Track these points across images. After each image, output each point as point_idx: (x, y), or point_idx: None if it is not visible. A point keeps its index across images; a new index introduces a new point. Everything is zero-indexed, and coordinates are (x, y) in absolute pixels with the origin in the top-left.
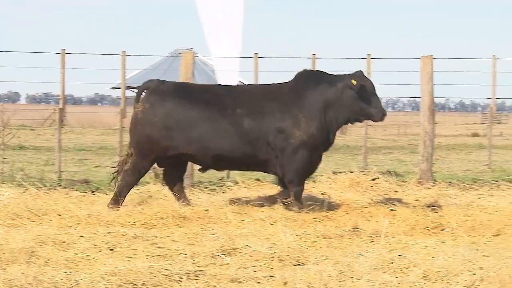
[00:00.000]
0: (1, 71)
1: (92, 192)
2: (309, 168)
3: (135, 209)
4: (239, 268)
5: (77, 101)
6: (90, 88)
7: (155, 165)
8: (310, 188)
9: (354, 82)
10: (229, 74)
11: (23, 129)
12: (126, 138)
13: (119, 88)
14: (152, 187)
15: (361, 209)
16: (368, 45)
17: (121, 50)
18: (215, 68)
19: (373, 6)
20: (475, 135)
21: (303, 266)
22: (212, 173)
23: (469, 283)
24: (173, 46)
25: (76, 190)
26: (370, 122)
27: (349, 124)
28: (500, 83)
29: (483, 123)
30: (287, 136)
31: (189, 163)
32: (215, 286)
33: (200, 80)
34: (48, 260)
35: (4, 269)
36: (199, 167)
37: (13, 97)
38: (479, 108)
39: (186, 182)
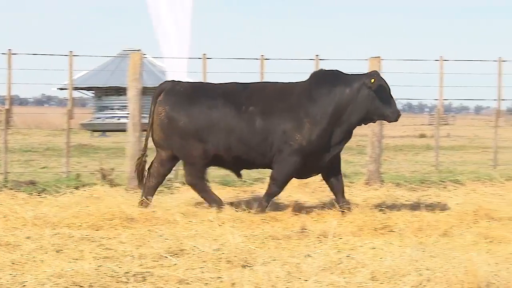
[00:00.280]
0: None
1: (39, 193)
2: (303, 172)
3: (82, 210)
4: (186, 269)
5: (23, 102)
6: (37, 89)
7: (104, 166)
8: (258, 189)
9: (372, 80)
10: (177, 75)
11: None
12: (73, 139)
13: (66, 88)
14: (99, 188)
15: (309, 210)
16: (316, 46)
17: (68, 50)
18: (163, 69)
19: (321, 7)
20: (422, 136)
21: (251, 267)
22: None
23: (416, 283)
24: (120, 47)
25: (23, 191)
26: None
27: (363, 124)
28: (447, 85)
29: (430, 124)
30: (287, 138)
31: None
32: (162, 287)
33: (148, 81)
34: None
35: None
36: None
37: None
38: (427, 109)
39: (133, 183)
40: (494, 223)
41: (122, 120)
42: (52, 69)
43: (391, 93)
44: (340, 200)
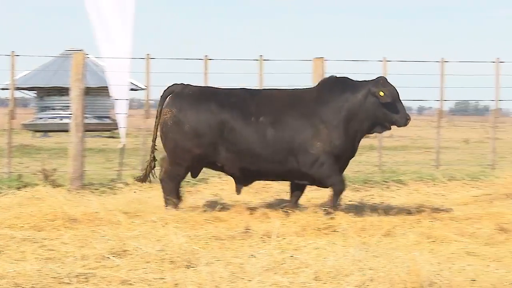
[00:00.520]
0: None
1: None
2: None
3: (24, 211)
4: (129, 270)
5: None
6: None
7: (46, 166)
8: (202, 189)
9: (381, 94)
10: (120, 75)
11: None
12: (15, 139)
13: (8, 89)
14: (42, 189)
15: (253, 211)
16: (260, 46)
17: (10, 50)
18: (106, 69)
19: (265, 8)
20: (366, 136)
21: (194, 268)
22: (102, 175)
23: (359, 283)
24: (63, 47)
25: None
26: None
27: (376, 132)
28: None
29: None
30: (310, 147)
31: None
32: None
33: (90, 81)
34: None
35: None
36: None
37: None
38: None
39: (76, 183)
40: (437, 222)
41: (65, 121)
42: None
43: (399, 98)
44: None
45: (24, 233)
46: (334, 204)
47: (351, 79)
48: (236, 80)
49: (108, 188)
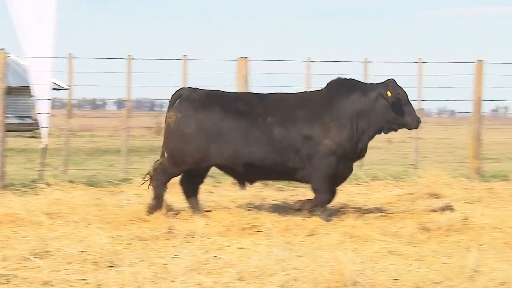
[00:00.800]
0: None
1: None
2: (336, 177)
3: None
4: (51, 271)
5: None
6: None
7: None
8: (125, 189)
9: (389, 94)
10: (42, 75)
11: None
12: None
13: None
14: None
15: (176, 211)
16: (184, 46)
17: None
18: (28, 68)
19: (189, 7)
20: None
21: (117, 268)
22: (24, 175)
23: (282, 282)
24: None
25: None
26: None
27: (383, 133)
28: (314, 85)
29: None
30: (315, 144)
31: None
32: None
33: (12, 80)
34: None
35: None
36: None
37: None
38: None
39: None
40: (360, 222)
41: None
42: None
43: (409, 100)
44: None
45: None
46: (309, 207)
47: (360, 81)
48: (162, 78)
49: (30, 188)
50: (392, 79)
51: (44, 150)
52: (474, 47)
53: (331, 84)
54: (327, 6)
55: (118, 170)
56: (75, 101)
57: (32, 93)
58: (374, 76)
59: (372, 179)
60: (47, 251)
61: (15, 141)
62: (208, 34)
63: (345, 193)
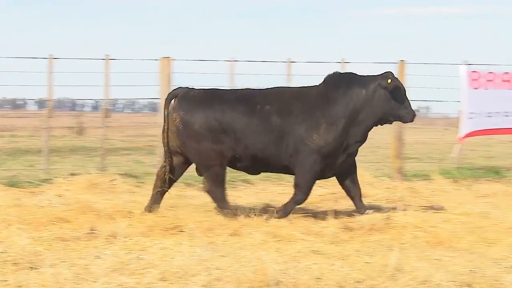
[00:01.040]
0: None
1: None
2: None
3: None
4: None
5: None
6: None
7: None
8: (46, 190)
9: (389, 81)
10: None
11: None
12: None
13: None
14: None
15: (98, 211)
16: (106, 47)
17: None
18: None
19: (111, 7)
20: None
21: (38, 269)
22: None
23: (205, 282)
24: None
25: None
26: None
27: (379, 125)
28: (237, 85)
29: None
30: (304, 139)
31: None
32: None
33: None
34: None
35: None
36: None
37: None
38: None
39: None
40: (283, 221)
41: None
42: None
43: (406, 94)
44: (358, 204)
45: None
46: (285, 211)
47: (358, 74)
48: (85, 78)
49: None
50: (390, 71)
51: None
52: (396, 48)
53: (329, 78)
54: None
55: (38, 171)
56: None
57: None
58: (298, 76)
59: None
60: None
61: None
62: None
63: (268, 193)
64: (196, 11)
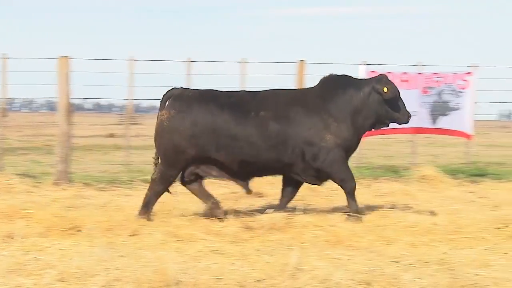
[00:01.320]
0: None
1: None
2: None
3: None
4: None
5: None
6: None
7: None
8: None
9: (385, 90)
10: None
11: None
12: None
13: None
14: None
15: None
16: (3, 46)
17: None
18: None
19: (13, 4)
20: (112, 135)
21: None
22: None
23: (104, 283)
24: None
25: None
26: None
27: (375, 129)
28: (137, 85)
29: (120, 124)
30: (317, 143)
31: None
32: None
33: None
34: None
35: None
36: None
37: None
38: (116, 109)
39: None
40: (183, 221)
41: None
42: None
43: (400, 96)
44: (281, 205)
45: None
46: (352, 206)
47: (353, 77)
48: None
49: None
50: (384, 74)
51: None
52: (296, 48)
53: (325, 80)
54: (153, 5)
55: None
56: None
57: None
58: (197, 76)
59: None
60: None
61: None
62: (27, 34)
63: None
64: (97, 10)
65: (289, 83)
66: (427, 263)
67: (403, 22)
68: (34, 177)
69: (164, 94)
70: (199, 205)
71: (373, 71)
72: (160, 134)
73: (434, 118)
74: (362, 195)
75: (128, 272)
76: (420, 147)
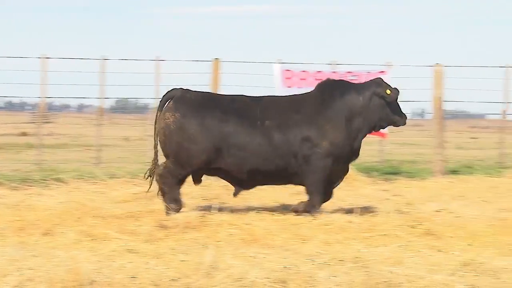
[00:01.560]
0: None
1: None
2: (331, 178)
3: None
4: None
5: None
6: None
7: None
8: None
9: (388, 92)
10: None
11: None
12: None
13: None
14: None
15: None
16: None
17: None
18: None
19: None
20: (24, 134)
21: None
22: None
23: (17, 283)
24: None
25: None
26: None
27: (373, 131)
28: (50, 83)
29: (32, 122)
30: (312, 146)
31: None
32: None
33: None
34: None
35: None
36: None
37: None
38: (28, 107)
39: None
40: (97, 220)
41: None
42: None
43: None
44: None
45: None
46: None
47: (350, 82)
48: None
49: None
50: (380, 78)
51: None
52: (211, 46)
53: (323, 85)
54: (66, 2)
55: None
56: None
57: None
58: (112, 74)
59: (110, 177)
60: None
61: None
62: None
63: (82, 192)
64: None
65: (204, 81)
66: (342, 261)
67: (318, 21)
68: None
69: (164, 95)
70: (114, 204)
71: (288, 70)
72: (169, 138)
73: None
74: (278, 194)
75: (41, 272)
76: None
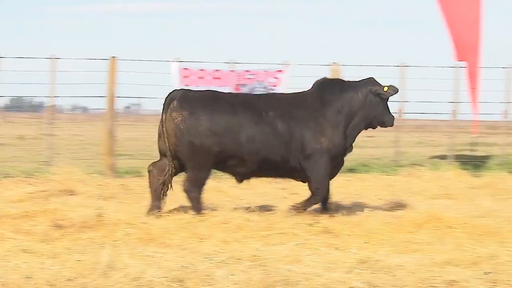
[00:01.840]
0: None
1: None
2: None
3: None
4: None
5: None
6: None
7: None
8: None
9: (386, 89)
10: None
11: None
12: None
13: None
14: None
15: None
16: None
17: None
18: None
19: None
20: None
21: None
22: None
23: None
24: None
25: None
26: None
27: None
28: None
29: None
30: (312, 143)
31: None
32: None
33: None
34: None
35: None
36: None
37: None
38: None
39: None
40: None
41: None
42: None
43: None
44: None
45: None
46: (305, 206)
47: (346, 80)
48: None
49: None
50: (372, 77)
51: None
52: (107, 44)
53: (320, 83)
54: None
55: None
56: None
57: None
58: (6, 72)
59: (4, 177)
60: None
61: None
62: None
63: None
64: None
65: (101, 79)
66: (240, 259)
67: (216, 19)
68: None
69: (166, 97)
70: (8, 204)
71: (186, 68)
72: (180, 139)
73: None
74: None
75: None
76: None
